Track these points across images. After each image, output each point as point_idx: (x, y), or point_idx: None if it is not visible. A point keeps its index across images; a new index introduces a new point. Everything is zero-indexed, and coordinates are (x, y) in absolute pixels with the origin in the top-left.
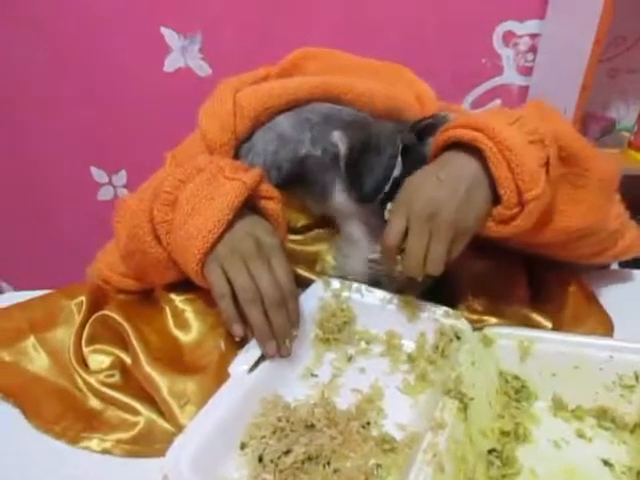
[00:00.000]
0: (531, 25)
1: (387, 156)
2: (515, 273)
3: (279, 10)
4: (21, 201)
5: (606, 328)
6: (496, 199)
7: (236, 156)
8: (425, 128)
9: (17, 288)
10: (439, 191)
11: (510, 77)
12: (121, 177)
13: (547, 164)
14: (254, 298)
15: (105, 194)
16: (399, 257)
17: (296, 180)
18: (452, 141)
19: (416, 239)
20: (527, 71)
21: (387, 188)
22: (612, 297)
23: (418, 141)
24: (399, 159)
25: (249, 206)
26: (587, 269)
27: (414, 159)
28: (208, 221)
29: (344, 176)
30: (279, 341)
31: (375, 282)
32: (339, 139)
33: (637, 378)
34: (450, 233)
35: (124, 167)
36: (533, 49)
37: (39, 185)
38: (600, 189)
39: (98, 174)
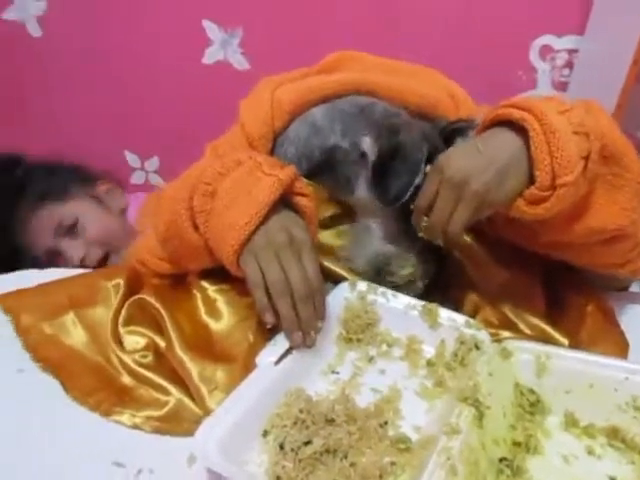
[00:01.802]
0: (569, 40)
1: (412, 164)
2: (533, 287)
3: (318, 9)
4: None
5: (621, 349)
6: (531, 181)
7: (273, 148)
8: (456, 130)
9: None
10: (474, 161)
11: (544, 91)
12: (153, 163)
13: (587, 158)
14: (284, 290)
15: (138, 178)
16: (426, 218)
17: (324, 170)
18: (501, 119)
19: (442, 203)
20: (562, 86)
21: (408, 194)
22: (630, 319)
23: (447, 143)
24: (422, 166)
25: (284, 201)
26: (607, 290)
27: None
28: (245, 214)
29: (371, 179)
30: (305, 332)
31: (378, 272)
32: (369, 147)
33: None
34: (475, 202)
35: (157, 154)
36: (570, 64)
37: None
38: (637, 193)
39: (132, 159)
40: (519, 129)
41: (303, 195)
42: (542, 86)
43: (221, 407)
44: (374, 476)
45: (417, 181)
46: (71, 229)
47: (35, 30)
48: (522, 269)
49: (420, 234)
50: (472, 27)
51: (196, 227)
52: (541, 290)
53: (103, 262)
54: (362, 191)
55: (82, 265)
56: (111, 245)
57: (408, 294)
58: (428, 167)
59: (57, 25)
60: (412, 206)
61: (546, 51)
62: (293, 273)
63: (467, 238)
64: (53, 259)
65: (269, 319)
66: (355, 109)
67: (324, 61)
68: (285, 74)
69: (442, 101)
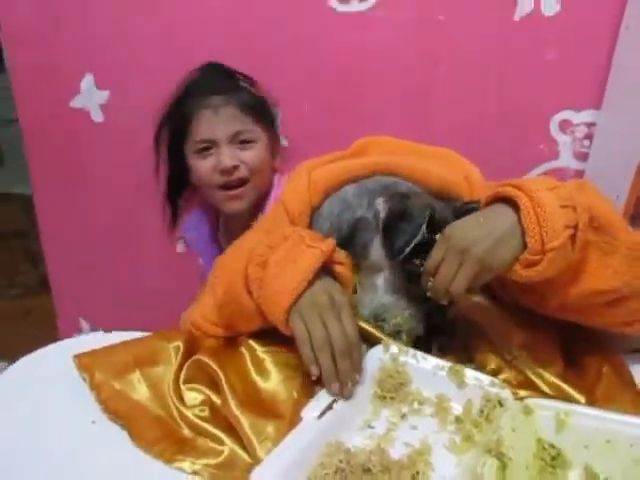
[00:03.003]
0: (587, 115)
1: (415, 225)
2: (552, 348)
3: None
4: (109, 245)
5: (637, 407)
6: (525, 248)
7: (310, 223)
8: (468, 210)
9: (94, 327)
10: (475, 231)
11: (566, 161)
12: None
13: (576, 227)
14: (326, 345)
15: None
16: (432, 279)
17: (349, 241)
18: (499, 196)
19: (447, 266)
20: (583, 156)
21: (408, 250)
22: None
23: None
24: (423, 227)
25: (324, 269)
26: (625, 352)
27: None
28: (293, 280)
29: (381, 235)
30: (343, 383)
31: (375, 318)
32: (381, 206)
33: None
34: (476, 267)
35: None
36: (589, 136)
37: (124, 232)
38: (626, 257)
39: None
40: (514, 204)
41: (340, 264)
42: (564, 157)
43: (271, 455)
44: None
45: (416, 240)
46: (243, 142)
47: (98, 116)
48: (540, 331)
49: (428, 294)
50: (495, 106)
51: (250, 293)
52: (559, 351)
53: (238, 184)
54: (375, 252)
55: (223, 173)
56: (255, 179)
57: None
58: (437, 235)
59: (117, 112)
60: (413, 265)
61: (566, 125)
62: (334, 330)
63: (482, 300)
64: (206, 153)
65: (314, 372)
66: (380, 187)
67: (354, 145)
68: (319, 158)
69: (458, 183)
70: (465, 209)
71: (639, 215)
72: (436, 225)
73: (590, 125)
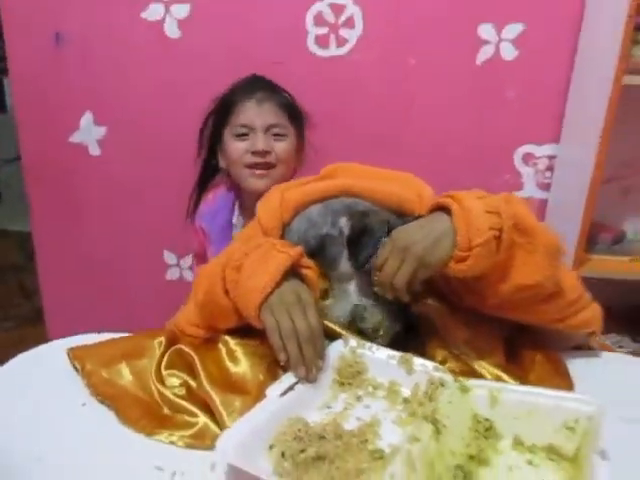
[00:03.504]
0: (548, 148)
1: (376, 239)
2: (494, 344)
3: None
4: (100, 276)
5: (566, 388)
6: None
7: (282, 236)
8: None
9: None
10: (416, 233)
11: (531, 191)
12: (187, 260)
13: (501, 230)
14: (292, 334)
15: (172, 274)
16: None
17: (317, 253)
18: (437, 206)
19: (390, 263)
20: (546, 187)
21: (371, 261)
22: (580, 370)
23: None
24: (382, 241)
25: (293, 273)
26: (564, 349)
27: None
28: (264, 280)
29: (347, 249)
30: (308, 368)
31: (354, 320)
32: (345, 224)
33: (576, 421)
34: (415, 263)
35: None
36: (551, 168)
37: (117, 262)
38: (545, 254)
39: (169, 257)
40: (448, 212)
41: (308, 268)
42: (528, 188)
43: (237, 423)
44: (353, 476)
45: (377, 252)
46: (276, 134)
47: (95, 150)
48: (484, 329)
49: (375, 288)
50: (463, 141)
51: (227, 293)
52: (501, 346)
53: (264, 167)
54: (344, 264)
55: (255, 155)
56: (280, 167)
57: (375, 339)
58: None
59: (113, 146)
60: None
61: (529, 158)
62: (299, 322)
63: (434, 302)
64: (244, 137)
65: (282, 357)
66: (342, 206)
67: (324, 170)
68: (292, 181)
69: (412, 201)
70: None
71: (594, 238)
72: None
73: (551, 157)
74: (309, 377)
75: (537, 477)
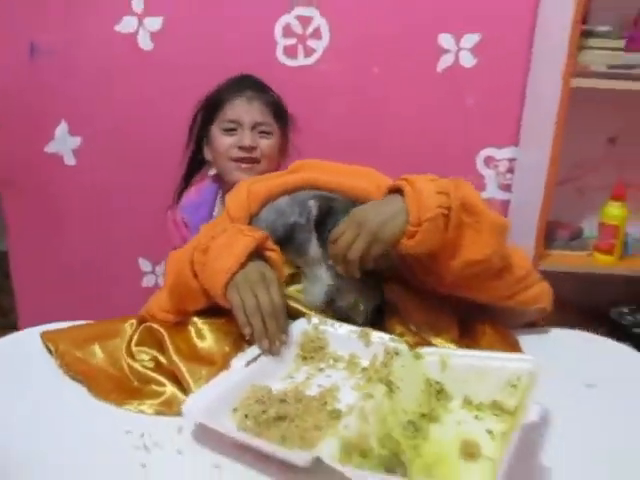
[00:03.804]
0: (508, 151)
1: (340, 220)
2: (448, 321)
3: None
4: (77, 286)
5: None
6: None
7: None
8: None
9: None
10: (372, 211)
11: (493, 192)
12: (163, 267)
13: (449, 209)
14: (256, 310)
15: (148, 282)
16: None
17: (286, 241)
18: (392, 188)
19: (346, 236)
20: (507, 188)
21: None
22: (532, 344)
23: None
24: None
25: (258, 255)
26: (517, 326)
27: None
28: (229, 261)
29: (314, 231)
30: (271, 341)
31: (331, 300)
32: (312, 205)
33: (519, 379)
34: (369, 237)
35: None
36: (511, 170)
37: (94, 271)
38: (491, 231)
39: (144, 264)
40: (402, 194)
41: (272, 250)
42: (490, 189)
43: (203, 388)
44: (310, 432)
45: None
46: (262, 132)
47: (70, 160)
48: (440, 308)
49: (329, 262)
50: (429, 144)
51: (195, 275)
52: (456, 324)
53: (250, 162)
54: (313, 249)
55: (241, 149)
56: (264, 163)
57: (355, 317)
58: None
59: (88, 156)
60: None
61: (490, 161)
62: (263, 299)
63: (396, 286)
64: (231, 132)
65: (247, 332)
66: (309, 195)
67: (290, 166)
68: (259, 176)
69: (371, 191)
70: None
71: (550, 236)
72: None
73: (511, 160)
74: (272, 349)
75: (482, 428)
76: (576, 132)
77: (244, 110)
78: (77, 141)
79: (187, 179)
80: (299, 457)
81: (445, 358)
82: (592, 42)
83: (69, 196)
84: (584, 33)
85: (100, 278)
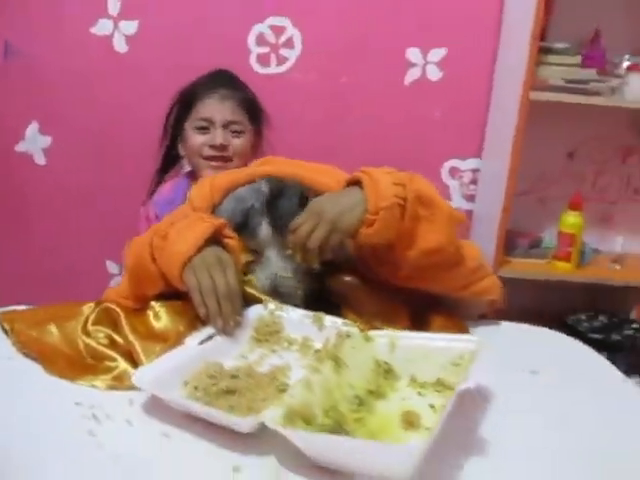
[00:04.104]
0: (471, 162)
1: (291, 203)
2: (399, 313)
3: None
4: (46, 287)
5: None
6: None
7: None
8: None
9: None
10: (331, 201)
11: (457, 202)
12: None
13: (405, 200)
14: (211, 291)
15: (116, 284)
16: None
17: (243, 227)
18: (351, 181)
19: (305, 226)
20: (471, 198)
21: (285, 223)
22: (483, 334)
23: None
24: (296, 202)
25: (216, 241)
26: (470, 318)
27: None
28: (187, 244)
29: (266, 211)
30: (226, 322)
31: (275, 286)
32: (263, 186)
33: (462, 357)
34: (328, 226)
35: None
36: (475, 181)
37: (63, 272)
38: (444, 222)
39: (111, 266)
40: (361, 186)
41: (230, 238)
42: (455, 199)
43: (155, 361)
44: (258, 403)
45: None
46: (234, 131)
47: (40, 159)
48: (393, 300)
49: (288, 251)
50: (395, 155)
51: (154, 260)
52: (407, 314)
53: (221, 160)
54: (263, 232)
55: (212, 148)
56: (236, 161)
57: (294, 302)
58: None
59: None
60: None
61: (454, 172)
62: (219, 280)
63: (350, 279)
64: (204, 130)
65: (202, 312)
66: (266, 183)
67: (253, 162)
68: (222, 172)
69: (331, 186)
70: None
71: (511, 244)
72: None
73: (475, 171)
74: (226, 329)
75: (424, 403)
76: (538, 146)
77: (216, 109)
78: (47, 141)
79: (161, 174)
80: (243, 422)
81: (394, 340)
82: (551, 58)
83: (38, 195)
84: (543, 49)
85: (68, 279)
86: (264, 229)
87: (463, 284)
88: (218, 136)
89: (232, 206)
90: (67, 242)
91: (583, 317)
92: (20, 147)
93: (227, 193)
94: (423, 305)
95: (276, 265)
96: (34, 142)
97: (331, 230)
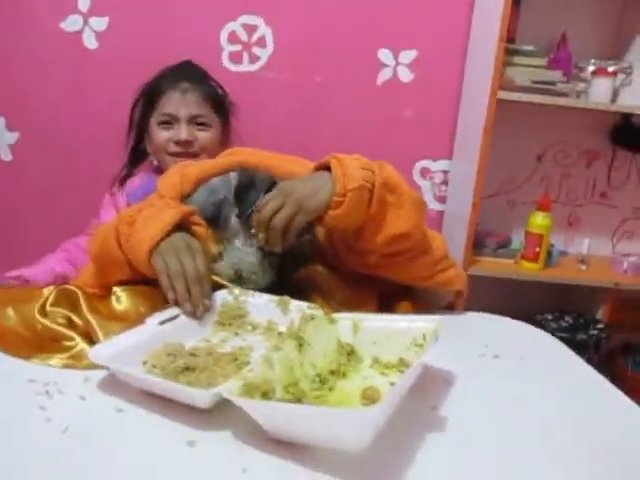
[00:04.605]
0: (442, 164)
1: (259, 192)
2: (367, 301)
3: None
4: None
5: None
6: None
7: None
8: None
9: None
10: (299, 183)
11: (429, 203)
12: None
13: (373, 185)
14: (180, 275)
15: None
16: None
17: (215, 219)
18: (320, 165)
19: (272, 203)
20: (442, 199)
21: (250, 211)
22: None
23: None
24: (262, 194)
25: (184, 228)
26: (437, 307)
27: None
28: (155, 229)
29: (235, 202)
30: (195, 305)
31: (237, 272)
32: (233, 177)
33: (424, 337)
34: (295, 207)
35: None
36: (446, 182)
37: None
38: (411, 208)
39: None
40: (329, 170)
41: (198, 224)
42: (427, 200)
43: (110, 339)
44: (217, 379)
45: (258, 203)
46: (200, 124)
47: (6, 155)
48: (360, 288)
49: (252, 231)
50: (367, 154)
51: (120, 246)
52: (375, 301)
53: (187, 156)
54: (232, 222)
55: (177, 144)
56: (203, 156)
57: (256, 289)
58: None
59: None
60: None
61: (425, 172)
62: (187, 264)
63: (318, 267)
64: (168, 125)
65: (171, 296)
66: (237, 174)
67: (224, 152)
68: (192, 161)
69: (299, 174)
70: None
71: (480, 244)
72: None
73: (446, 172)
74: (196, 313)
75: (385, 381)
76: (507, 149)
77: (180, 103)
78: (14, 136)
79: (129, 168)
80: (201, 394)
81: (357, 322)
82: (518, 59)
83: (4, 191)
84: (511, 51)
85: None
86: (234, 220)
87: (429, 273)
88: (182, 131)
89: (204, 197)
90: (31, 238)
91: (550, 317)
92: None
93: (198, 183)
94: (390, 294)
95: (241, 253)
96: (1, 138)
97: (297, 211)
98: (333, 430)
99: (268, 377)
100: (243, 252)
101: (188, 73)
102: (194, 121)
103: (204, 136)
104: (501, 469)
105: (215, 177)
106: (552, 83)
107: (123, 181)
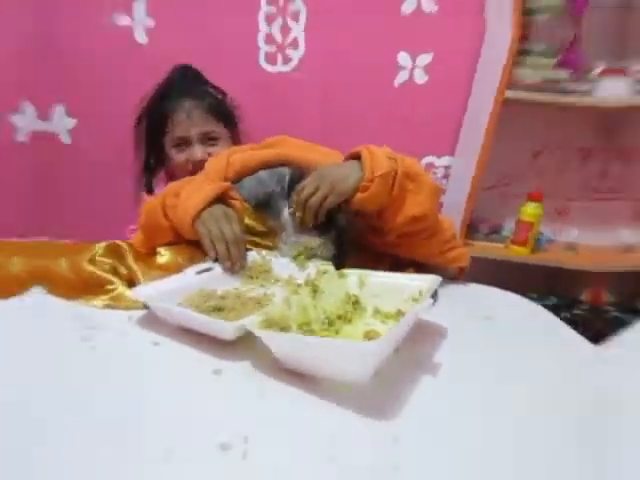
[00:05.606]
0: (445, 160)
1: None
2: (382, 268)
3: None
4: None
5: None
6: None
7: None
8: None
9: None
10: (332, 169)
11: None
12: None
13: (396, 172)
14: (221, 238)
15: None
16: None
17: (265, 206)
18: (351, 155)
19: (308, 187)
20: (442, 192)
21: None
22: (448, 290)
23: None
24: None
25: (223, 202)
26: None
27: None
28: (198, 200)
29: (287, 195)
30: (234, 263)
31: (298, 251)
32: (287, 172)
33: (420, 293)
34: (327, 189)
35: None
36: (447, 176)
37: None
38: (428, 194)
39: None
40: (359, 158)
41: (235, 199)
42: None
43: (154, 281)
44: (243, 317)
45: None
46: (211, 139)
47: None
48: (376, 259)
49: (290, 210)
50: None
51: (165, 215)
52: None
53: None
54: (284, 214)
55: (190, 162)
56: None
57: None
58: None
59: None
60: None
61: (429, 167)
62: (226, 229)
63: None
64: (182, 146)
65: (212, 255)
66: (286, 171)
67: (266, 140)
68: (238, 147)
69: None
70: None
71: (473, 229)
72: None
73: (447, 167)
74: (234, 269)
75: (385, 328)
76: (505, 146)
77: (188, 125)
78: (73, 122)
79: (148, 176)
80: (228, 326)
81: (363, 278)
82: (528, 60)
83: (63, 170)
84: (522, 52)
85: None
86: (285, 213)
87: (440, 250)
88: (197, 151)
89: (254, 186)
90: (92, 215)
91: (534, 296)
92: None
93: (240, 171)
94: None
95: (292, 239)
96: (62, 123)
97: (329, 193)
98: (337, 360)
99: (286, 315)
100: (302, 236)
101: (185, 87)
102: (205, 137)
103: (216, 150)
104: (486, 403)
105: (261, 169)
106: (557, 82)
107: (148, 185)
